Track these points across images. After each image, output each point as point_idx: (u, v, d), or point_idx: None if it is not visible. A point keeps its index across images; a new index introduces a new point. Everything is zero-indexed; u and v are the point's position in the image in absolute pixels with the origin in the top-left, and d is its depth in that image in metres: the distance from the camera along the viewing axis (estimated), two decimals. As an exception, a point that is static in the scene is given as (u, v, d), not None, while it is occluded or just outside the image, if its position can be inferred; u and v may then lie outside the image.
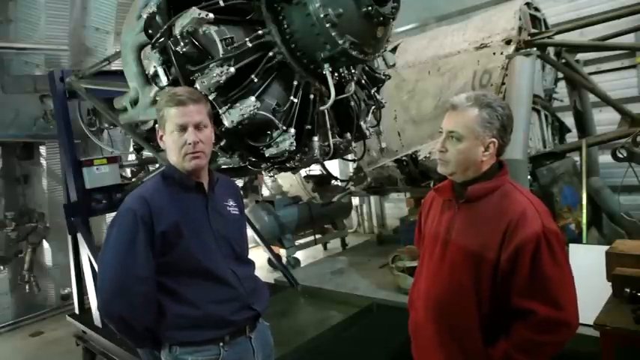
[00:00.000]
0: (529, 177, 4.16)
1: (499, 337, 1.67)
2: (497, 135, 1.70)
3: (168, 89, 2.33)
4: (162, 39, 2.33)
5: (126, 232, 1.80)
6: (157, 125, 1.97)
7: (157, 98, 2.60)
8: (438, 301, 1.79)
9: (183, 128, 1.83)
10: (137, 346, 2.04)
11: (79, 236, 3.97)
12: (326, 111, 2.58)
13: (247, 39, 2.34)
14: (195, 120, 1.84)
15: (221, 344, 1.88)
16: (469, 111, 1.70)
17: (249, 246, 2.25)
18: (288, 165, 2.76)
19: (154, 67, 2.44)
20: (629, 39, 5.25)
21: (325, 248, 8.18)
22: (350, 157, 3.30)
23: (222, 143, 2.44)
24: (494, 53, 4.44)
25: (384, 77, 3.13)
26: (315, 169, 6.90)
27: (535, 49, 4.28)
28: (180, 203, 1.90)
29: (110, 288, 1.80)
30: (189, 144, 1.83)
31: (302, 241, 7.51)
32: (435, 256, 1.84)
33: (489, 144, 1.70)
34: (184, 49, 2.25)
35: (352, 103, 2.82)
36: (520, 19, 4.45)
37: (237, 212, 2.10)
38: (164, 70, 2.41)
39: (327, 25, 2.30)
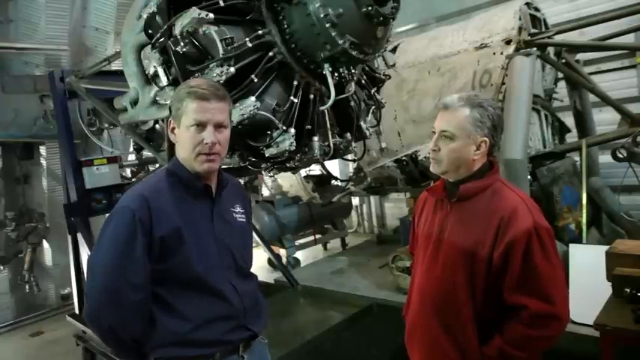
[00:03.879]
0: (529, 177, 4.16)
1: (494, 335, 1.68)
2: (488, 134, 1.73)
3: (168, 89, 2.32)
4: (162, 39, 2.33)
5: (122, 234, 1.63)
6: (164, 121, 1.89)
7: (158, 98, 2.60)
8: (433, 300, 1.80)
9: (201, 125, 1.66)
10: (119, 357, 1.93)
11: (79, 236, 3.97)
12: (326, 111, 2.58)
13: (247, 39, 2.34)
14: (217, 119, 1.68)
15: None
16: (461, 111, 1.72)
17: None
18: (288, 165, 2.76)
19: (154, 67, 2.44)
20: (629, 39, 5.24)
21: (325, 248, 8.18)
22: (350, 157, 3.30)
23: (222, 143, 2.44)
24: (494, 53, 4.44)
25: (384, 77, 3.13)
26: (315, 169, 6.91)
27: (535, 49, 4.28)
28: (184, 206, 1.73)
29: (100, 294, 1.63)
30: (207, 144, 1.66)
31: (302, 241, 7.51)
32: (428, 255, 1.85)
33: (481, 143, 1.73)
34: (184, 49, 2.25)
35: (352, 103, 2.82)
36: (520, 19, 4.45)
37: (243, 219, 1.94)
38: (164, 70, 2.41)
39: (327, 25, 2.30)
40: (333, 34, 2.31)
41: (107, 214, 4.57)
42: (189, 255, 1.69)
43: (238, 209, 1.92)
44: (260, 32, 2.40)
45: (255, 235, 5.11)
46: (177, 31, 2.24)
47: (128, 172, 5.34)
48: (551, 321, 1.62)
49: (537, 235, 1.62)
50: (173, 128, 1.75)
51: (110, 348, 1.81)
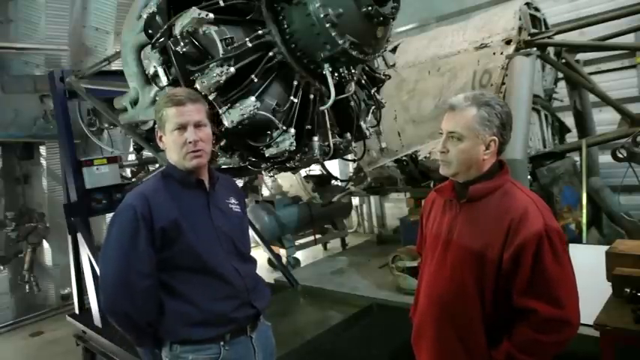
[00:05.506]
0: (529, 177, 4.15)
1: (502, 337, 1.67)
2: (497, 133, 1.71)
3: (168, 89, 2.33)
4: (162, 39, 2.33)
5: (127, 229, 1.82)
6: (156, 126, 1.98)
7: (158, 98, 2.61)
8: (441, 301, 1.79)
9: (183, 127, 1.86)
10: (139, 344, 2.04)
11: (79, 236, 3.96)
12: (326, 111, 2.58)
13: (247, 39, 2.33)
14: (195, 119, 1.87)
15: (222, 343, 1.89)
16: (468, 110, 1.71)
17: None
18: (288, 165, 2.76)
19: (154, 67, 2.44)
20: (629, 39, 5.25)
21: (325, 248, 8.19)
22: (350, 157, 3.29)
23: (222, 143, 2.44)
24: (494, 53, 4.44)
25: (384, 77, 3.12)
26: (315, 169, 6.91)
27: (535, 49, 4.28)
28: (181, 200, 1.92)
29: (113, 284, 1.82)
30: (190, 142, 1.85)
31: (302, 241, 7.52)
32: (436, 256, 1.84)
33: (490, 142, 1.71)
34: (184, 49, 2.24)
35: (352, 103, 2.82)
36: (520, 19, 4.44)
37: (239, 210, 2.12)
38: (164, 70, 2.41)
39: (327, 25, 2.30)
40: (333, 34, 2.31)
41: (107, 214, 4.59)
42: (191, 242, 1.87)
43: (233, 201, 2.11)
44: (260, 32, 2.39)
45: (255, 235, 5.11)
46: (177, 31, 2.24)
47: (128, 172, 5.33)
48: (562, 325, 1.60)
49: (548, 238, 1.60)
50: (161, 137, 1.95)
51: (129, 335, 1.97)
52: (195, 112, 1.88)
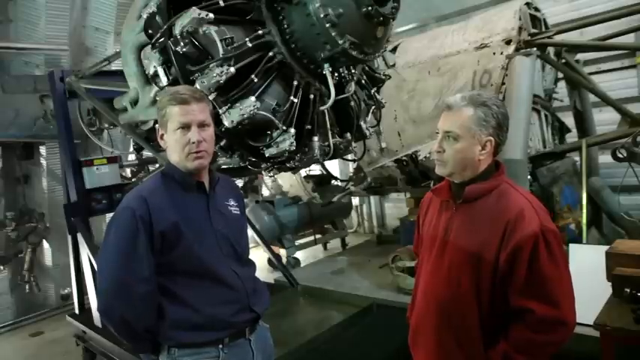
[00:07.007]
0: (529, 177, 4.15)
1: (499, 338, 1.67)
2: (493, 133, 1.71)
3: (169, 88, 2.33)
4: (162, 39, 2.33)
5: (125, 232, 1.77)
6: (157, 125, 1.96)
7: (158, 98, 2.61)
8: (438, 302, 1.79)
9: (186, 127, 1.80)
10: (136, 349, 2.00)
11: (79, 236, 3.97)
12: (326, 111, 2.59)
13: (247, 39, 2.34)
14: (199, 119, 1.82)
15: (220, 346, 1.86)
16: (465, 110, 1.70)
17: (250, 246, 2.25)
18: (288, 165, 2.76)
19: (154, 67, 2.44)
20: (629, 39, 5.24)
21: (325, 248, 8.19)
22: (350, 157, 3.30)
23: (222, 143, 2.44)
24: (494, 53, 4.44)
25: (384, 77, 3.13)
26: (315, 169, 6.91)
27: (535, 49, 4.28)
28: (180, 203, 1.86)
29: (110, 289, 1.77)
30: (193, 143, 1.80)
31: (302, 241, 7.52)
32: (433, 257, 1.84)
33: (486, 142, 1.70)
34: (184, 49, 2.25)
35: (352, 103, 2.82)
36: (520, 19, 4.44)
37: (238, 212, 2.08)
38: (164, 70, 2.41)
39: (327, 25, 2.30)
40: (333, 34, 2.32)
41: (107, 214, 4.60)
42: (191, 246, 1.83)
43: (232, 202, 2.06)
44: (260, 32, 2.40)
45: (255, 235, 5.11)
46: (177, 31, 2.24)
47: (128, 172, 5.34)
48: (558, 326, 1.60)
49: (544, 239, 1.60)
50: (162, 135, 1.89)
51: (126, 341, 1.94)
52: (200, 111, 1.82)
